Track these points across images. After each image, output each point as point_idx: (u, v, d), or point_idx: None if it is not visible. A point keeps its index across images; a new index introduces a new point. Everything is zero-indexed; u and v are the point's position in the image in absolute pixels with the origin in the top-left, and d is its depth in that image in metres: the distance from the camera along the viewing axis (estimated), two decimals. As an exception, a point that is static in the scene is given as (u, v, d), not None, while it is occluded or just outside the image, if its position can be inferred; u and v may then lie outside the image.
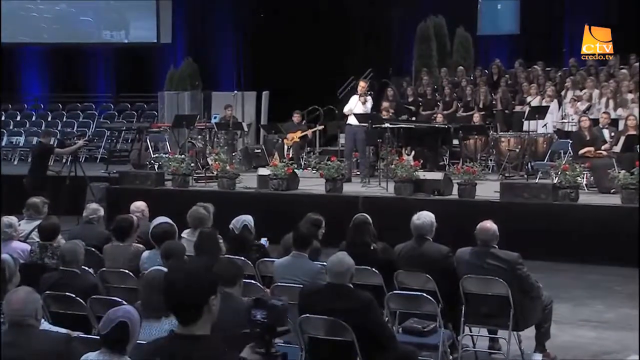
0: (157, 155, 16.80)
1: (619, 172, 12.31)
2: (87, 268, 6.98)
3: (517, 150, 15.60)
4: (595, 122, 15.14)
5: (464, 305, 7.12)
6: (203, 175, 15.33)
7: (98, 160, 20.11)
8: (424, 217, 7.41)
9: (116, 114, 23.82)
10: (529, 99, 17.10)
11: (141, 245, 7.84)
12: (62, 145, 15.55)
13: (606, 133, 14.75)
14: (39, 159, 14.26)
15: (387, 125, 14.58)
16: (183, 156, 15.10)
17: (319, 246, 7.70)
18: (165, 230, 7.41)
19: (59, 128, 22.30)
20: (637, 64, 18.07)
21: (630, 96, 16.22)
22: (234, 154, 16.70)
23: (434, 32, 21.86)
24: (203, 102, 21.54)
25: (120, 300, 6.07)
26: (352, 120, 15.05)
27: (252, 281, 7.12)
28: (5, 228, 7.80)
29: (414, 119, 18.45)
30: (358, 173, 15.66)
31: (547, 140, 15.74)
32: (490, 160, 16.77)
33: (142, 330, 4.86)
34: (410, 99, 19.57)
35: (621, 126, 15.10)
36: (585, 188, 13.40)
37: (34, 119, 23.64)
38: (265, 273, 7.74)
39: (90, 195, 14.46)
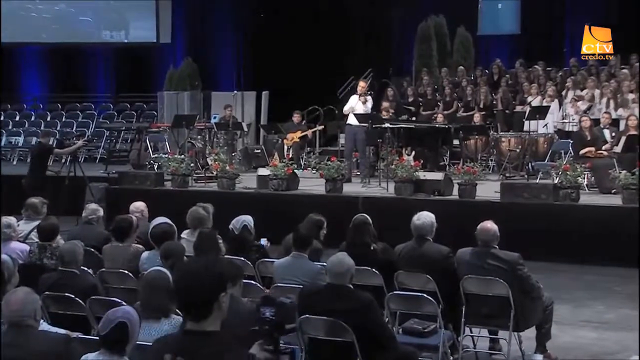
0: (156, 155, 16.80)
1: (620, 173, 12.28)
2: (86, 268, 6.96)
3: (518, 150, 15.58)
4: (596, 122, 15.12)
5: (465, 305, 7.11)
6: (203, 175, 15.31)
7: (97, 161, 20.09)
8: (424, 218, 7.40)
9: (115, 114, 23.81)
10: (529, 99, 17.08)
11: (140, 246, 7.83)
12: (62, 146, 15.53)
13: (607, 133, 14.72)
14: (38, 159, 14.25)
15: (387, 125, 14.56)
16: (182, 156, 15.08)
17: (320, 247, 7.70)
18: (165, 230, 7.40)
19: (58, 128, 22.29)
20: (638, 63, 18.06)
21: (631, 96, 16.19)
22: (233, 154, 16.68)
23: (434, 32, 21.85)
24: (203, 102, 21.54)
25: (119, 300, 6.07)
26: (352, 120, 15.03)
27: (252, 282, 7.10)
28: (4, 228, 7.78)
29: (414, 119, 18.43)
30: (358, 173, 15.64)
31: (548, 141, 15.73)
32: (491, 160, 16.76)
33: (142, 330, 4.86)
34: (411, 99, 19.57)
35: (622, 126, 15.06)
36: (586, 188, 13.38)
37: (33, 119, 23.63)
38: (265, 273, 7.72)
39: (89, 196, 14.44)
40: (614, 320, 8.98)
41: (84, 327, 6.10)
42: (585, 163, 13.27)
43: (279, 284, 6.88)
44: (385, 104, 17.78)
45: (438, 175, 13.45)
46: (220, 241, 7.71)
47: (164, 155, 15.81)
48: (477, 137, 16.34)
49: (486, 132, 16.62)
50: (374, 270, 7.23)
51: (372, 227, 7.75)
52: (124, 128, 21.70)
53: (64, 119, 23.44)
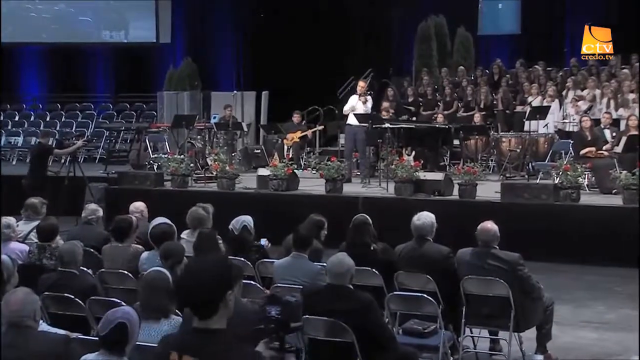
0: (156, 155, 16.78)
1: (621, 173, 12.26)
2: (85, 269, 6.95)
3: (518, 150, 15.56)
4: (596, 122, 15.10)
5: (465, 306, 7.10)
6: (202, 175, 15.29)
7: (97, 161, 20.08)
8: (425, 218, 7.38)
9: (115, 114, 23.79)
10: (530, 99, 17.07)
11: (140, 246, 7.81)
12: (61, 146, 15.51)
13: (607, 133, 14.70)
14: (38, 160, 14.23)
15: (387, 125, 14.55)
16: (182, 156, 15.07)
17: (320, 247, 7.69)
18: (164, 230, 7.38)
19: (58, 128, 22.27)
20: (638, 63, 18.05)
21: (631, 96, 16.17)
22: (233, 154, 16.66)
23: (434, 31, 21.84)
24: (202, 102, 21.51)
25: (119, 301, 6.07)
26: (352, 121, 15.01)
27: (252, 282, 7.09)
28: (3, 229, 7.77)
29: (414, 119, 18.42)
30: (358, 173, 15.62)
31: (548, 141, 15.71)
32: (491, 160, 16.74)
33: (141, 331, 4.85)
34: (411, 99, 19.56)
35: (622, 126, 15.05)
36: (587, 188, 13.37)
37: (32, 119, 23.62)
38: (265, 274, 7.71)
39: (89, 196, 14.42)
40: (614, 321, 8.96)
41: (83, 328, 6.09)
42: (585, 163, 13.26)
43: (278, 285, 6.87)
44: (385, 104, 17.77)
45: (438, 176, 13.44)
46: (220, 241, 7.70)
47: (163, 156, 15.79)
48: (477, 137, 16.32)
49: (486, 132, 16.61)
50: (374, 270, 7.22)
51: (372, 227, 7.74)
52: (123, 128, 21.67)
53: (63, 119, 23.44)
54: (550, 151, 15.48)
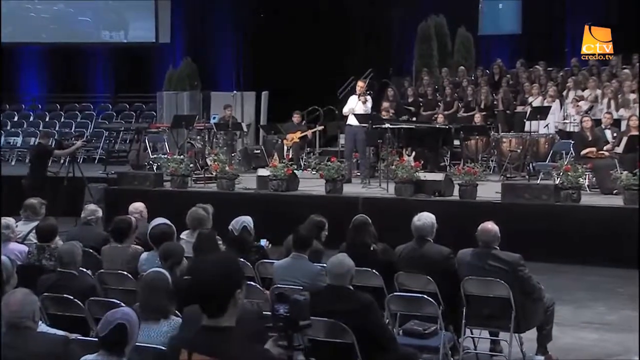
0: (155, 155, 16.76)
1: (622, 173, 12.25)
2: (85, 269, 6.93)
3: (519, 150, 15.55)
4: (597, 122, 15.08)
5: (465, 307, 7.08)
6: (202, 176, 15.28)
7: (96, 161, 20.06)
8: (425, 218, 7.37)
9: (114, 114, 23.77)
10: (530, 99, 17.06)
11: (139, 247, 7.80)
12: (60, 146, 15.47)
13: (608, 133, 14.68)
14: (38, 160, 14.22)
15: (387, 125, 14.53)
16: (182, 157, 15.06)
17: (321, 248, 7.67)
18: (164, 231, 7.36)
19: (57, 128, 22.25)
20: (639, 63, 18.02)
21: (632, 96, 16.14)
22: (233, 154, 16.64)
23: (434, 31, 21.82)
24: (202, 102, 21.49)
25: (118, 302, 6.06)
26: (352, 121, 14.99)
27: (252, 283, 7.06)
28: (2, 229, 7.75)
29: (414, 119, 18.40)
30: (358, 174, 15.60)
31: (549, 141, 15.70)
32: (492, 160, 16.73)
33: (141, 332, 4.84)
34: (411, 99, 19.55)
35: (623, 127, 15.03)
36: (587, 189, 13.37)
37: (31, 119, 23.60)
38: (265, 275, 7.69)
39: (88, 196, 14.40)
40: (615, 322, 8.95)
41: (82, 329, 6.08)
42: (586, 164, 13.24)
43: (278, 285, 6.84)
44: (385, 104, 17.76)
45: (438, 176, 13.42)
46: (220, 242, 7.69)
47: (163, 156, 15.78)
48: (477, 137, 16.30)
49: (487, 133, 16.59)
50: (374, 271, 7.20)
51: (372, 227, 7.72)
52: (123, 128, 21.65)
53: (62, 119, 23.42)
54: (551, 151, 15.47)
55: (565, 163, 12.80)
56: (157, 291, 5.47)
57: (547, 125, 16.15)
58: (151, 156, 17.00)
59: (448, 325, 7.03)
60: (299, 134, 17.66)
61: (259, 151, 18.30)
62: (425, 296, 6.82)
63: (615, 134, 14.64)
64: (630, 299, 9.45)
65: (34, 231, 8.24)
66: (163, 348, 5.08)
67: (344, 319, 5.64)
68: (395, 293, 7.04)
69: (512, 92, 18.75)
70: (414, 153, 14.78)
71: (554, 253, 11.35)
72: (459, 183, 12.89)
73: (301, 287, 6.45)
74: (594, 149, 14.07)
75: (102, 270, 7.46)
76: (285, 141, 17.54)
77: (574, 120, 16.32)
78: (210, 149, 16.46)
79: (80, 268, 6.75)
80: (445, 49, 22.09)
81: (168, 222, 7.59)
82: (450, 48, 22.18)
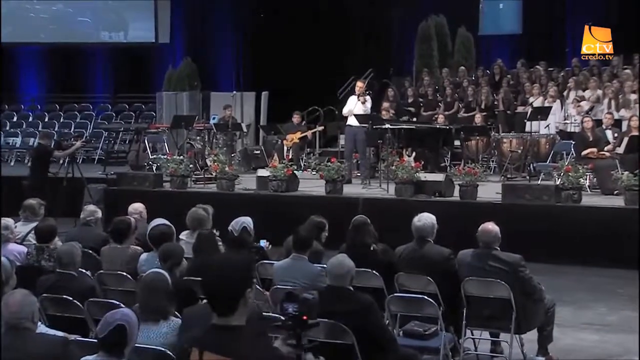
0: (155, 156, 16.76)
1: (622, 174, 12.23)
2: (84, 270, 6.92)
3: (519, 151, 15.53)
4: (598, 122, 15.07)
5: (466, 307, 7.08)
6: (202, 176, 15.27)
7: (95, 162, 20.03)
8: (425, 219, 7.36)
9: (114, 114, 23.75)
10: (531, 99, 17.04)
11: (139, 248, 7.79)
12: (59, 146, 15.45)
13: (609, 134, 14.68)
14: (38, 161, 14.19)
15: (387, 126, 14.51)
16: (181, 157, 15.03)
17: (321, 249, 7.66)
18: (163, 232, 7.35)
19: (56, 129, 22.20)
20: (640, 64, 18.05)
21: (633, 97, 16.11)
22: (233, 155, 16.60)
23: (435, 31, 21.79)
24: (202, 102, 21.46)
25: (117, 302, 6.05)
26: (352, 121, 14.97)
27: (252, 283, 7.03)
28: (2, 230, 7.73)
29: (414, 119, 18.38)
30: (358, 174, 15.58)
31: (550, 141, 15.69)
32: (492, 161, 16.71)
33: (140, 333, 4.83)
34: (411, 100, 19.52)
35: (624, 127, 15.02)
36: (588, 189, 13.36)
37: (30, 119, 23.57)
38: (265, 275, 7.68)
39: (87, 197, 14.38)
40: (616, 323, 8.94)
41: (82, 330, 6.08)
42: (587, 164, 13.18)
43: (278, 286, 6.83)
44: (385, 105, 17.75)
45: (439, 177, 13.40)
46: (220, 243, 7.67)
47: (162, 156, 15.75)
48: (478, 138, 16.28)
49: (487, 133, 16.56)
50: (374, 272, 7.19)
51: (372, 227, 7.71)
52: (122, 129, 21.61)
53: (62, 120, 23.39)
54: (552, 152, 15.47)
55: (566, 163, 12.81)
56: (157, 292, 5.46)
57: (547, 125, 16.14)
58: (151, 157, 17.00)
59: (448, 326, 7.02)
60: (299, 135, 17.64)
61: (258, 152, 18.29)
62: (426, 297, 6.81)
63: (616, 135, 14.64)
64: (630, 299, 9.43)
65: (33, 232, 8.22)
66: (162, 349, 5.08)
67: (344, 319, 5.63)
68: (395, 294, 7.03)
69: (513, 93, 18.73)
70: (414, 153, 14.76)
71: (554, 254, 11.33)
72: (460, 183, 12.87)
73: (301, 288, 6.43)
74: (594, 149, 14.06)
75: (101, 271, 7.45)
76: (285, 141, 17.52)
77: (575, 120, 16.30)
78: (210, 150, 16.44)
79: (80, 269, 6.74)
80: (446, 49, 22.07)
81: (167, 222, 7.58)
82: (450, 48, 22.16)
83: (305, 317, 4.26)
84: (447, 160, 16.74)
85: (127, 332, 4.42)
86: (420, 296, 6.85)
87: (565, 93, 17.44)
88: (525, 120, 15.97)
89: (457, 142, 16.66)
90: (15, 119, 23.52)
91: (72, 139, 16.60)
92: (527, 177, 14.69)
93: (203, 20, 25.35)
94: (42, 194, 10.97)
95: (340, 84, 21.05)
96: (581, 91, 17.19)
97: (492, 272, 6.96)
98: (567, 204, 12.14)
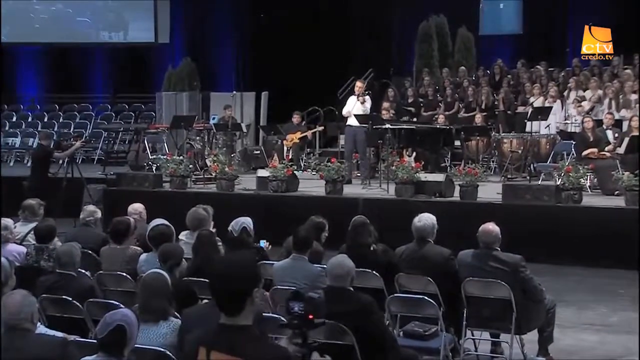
0: (155, 156, 16.75)
1: (623, 174, 12.22)
2: (83, 271, 6.92)
3: (520, 151, 15.51)
4: (598, 123, 15.05)
5: (466, 308, 7.07)
6: (201, 176, 15.27)
7: (95, 162, 20.04)
8: (425, 219, 7.34)
9: (113, 114, 23.73)
10: (531, 99, 17.04)
11: (138, 248, 7.79)
12: (59, 146, 15.43)
13: (610, 134, 14.66)
14: (39, 162, 14.16)
15: (387, 126, 14.49)
16: (181, 157, 15.02)
17: (321, 249, 7.65)
18: (163, 232, 7.34)
19: (56, 129, 22.19)
20: (641, 63, 18.04)
21: (633, 97, 16.11)
22: (232, 155, 16.58)
23: (435, 31, 21.78)
24: (201, 102, 21.44)
25: (117, 303, 6.05)
26: (352, 121, 14.95)
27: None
28: (1, 230, 7.71)
29: (415, 119, 18.37)
30: (358, 174, 15.56)
31: (550, 142, 15.68)
32: (493, 161, 16.69)
33: (140, 333, 4.82)
34: (411, 100, 19.52)
35: (625, 127, 15.01)
36: (589, 190, 13.35)
37: (30, 119, 23.56)
38: (265, 276, 7.60)
39: (87, 197, 14.37)
40: (617, 323, 8.94)
41: (81, 330, 6.09)
42: (587, 164, 13.17)
43: (278, 287, 6.82)
44: (385, 105, 17.75)
45: (439, 177, 13.38)
46: (219, 243, 7.65)
47: (162, 157, 15.75)
48: (478, 138, 16.25)
49: (488, 133, 16.54)
50: (374, 272, 7.18)
51: (372, 227, 7.69)
52: (122, 129, 21.62)
53: (61, 120, 23.37)
54: (552, 152, 15.46)
55: (567, 164, 12.81)
56: (157, 292, 5.45)
57: (548, 125, 16.14)
58: (150, 157, 16.99)
59: (449, 327, 7.01)
60: (298, 135, 17.63)
61: (258, 152, 18.28)
62: (426, 297, 6.80)
63: (616, 135, 14.62)
64: (632, 300, 9.42)
65: (32, 232, 8.22)
66: (162, 349, 5.07)
67: (344, 320, 5.61)
68: (395, 294, 7.02)
69: (513, 93, 18.73)
70: (414, 154, 14.76)
71: (555, 254, 11.33)
72: (460, 184, 12.86)
73: (301, 289, 6.41)
74: (595, 149, 14.04)
75: (101, 272, 7.45)
76: (285, 142, 17.52)
77: (575, 120, 16.28)
78: (210, 150, 16.44)
79: (79, 269, 6.73)
80: (446, 49, 22.06)
81: (167, 223, 7.57)
82: (450, 48, 22.15)
83: (311, 316, 4.26)
84: (448, 160, 16.73)
85: (126, 333, 4.41)
86: (421, 297, 6.84)
87: (565, 93, 17.44)
88: (526, 121, 15.96)
89: (457, 143, 16.64)
90: (14, 119, 23.51)
91: (72, 139, 16.57)
92: (528, 178, 14.67)
93: (203, 20, 25.33)
94: (42, 194, 10.94)
95: (340, 84, 21.02)
96: (582, 91, 17.19)
97: (492, 273, 6.95)
98: (567, 204, 12.12)
